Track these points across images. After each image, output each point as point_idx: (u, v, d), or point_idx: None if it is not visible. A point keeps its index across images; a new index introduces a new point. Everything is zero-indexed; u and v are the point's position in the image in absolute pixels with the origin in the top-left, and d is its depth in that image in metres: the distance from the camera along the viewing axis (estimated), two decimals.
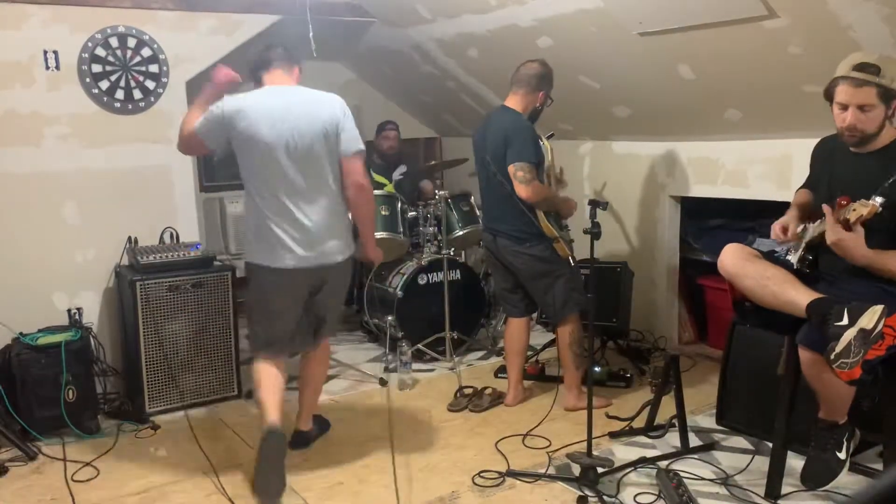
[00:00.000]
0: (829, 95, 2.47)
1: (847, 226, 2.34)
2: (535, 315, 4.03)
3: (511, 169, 3.32)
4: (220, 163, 5.39)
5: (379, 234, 4.22)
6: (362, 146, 2.97)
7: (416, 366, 4.21)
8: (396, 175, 5.19)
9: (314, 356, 3.24)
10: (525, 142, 3.35)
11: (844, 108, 2.42)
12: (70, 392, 3.40)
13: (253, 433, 3.45)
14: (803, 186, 2.85)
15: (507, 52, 4.11)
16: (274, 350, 3.02)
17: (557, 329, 3.60)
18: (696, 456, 3.09)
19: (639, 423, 3.36)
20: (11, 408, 3.34)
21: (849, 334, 2.20)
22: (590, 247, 2.89)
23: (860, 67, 2.36)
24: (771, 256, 2.69)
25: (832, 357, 2.23)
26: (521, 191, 3.31)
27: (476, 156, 3.62)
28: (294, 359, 3.31)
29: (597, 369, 3.90)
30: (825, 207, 2.44)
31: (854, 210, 2.30)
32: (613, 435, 3.30)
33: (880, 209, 2.27)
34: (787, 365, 2.69)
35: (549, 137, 3.65)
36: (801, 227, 2.66)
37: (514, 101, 3.48)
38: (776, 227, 2.69)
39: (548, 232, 3.41)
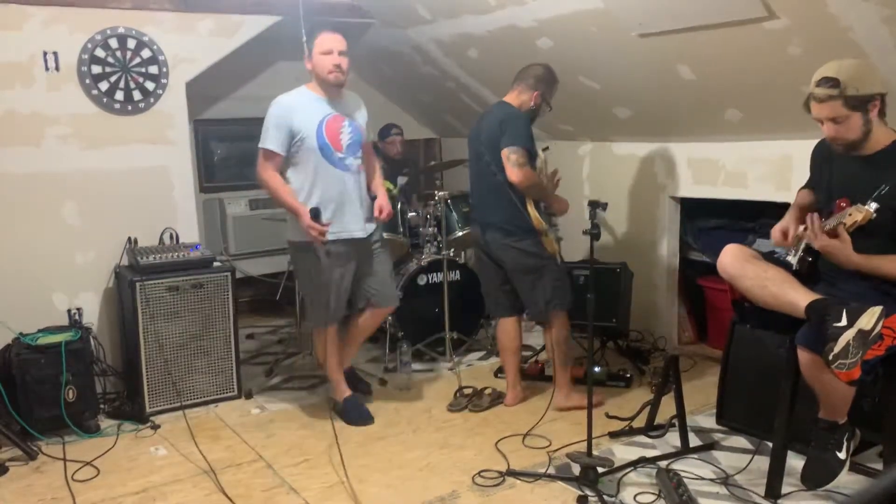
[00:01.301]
0: (808, 110, 2.50)
1: (833, 233, 2.38)
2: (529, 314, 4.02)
3: (504, 152, 3.32)
4: (220, 163, 5.41)
5: None
6: (261, 144, 3.33)
7: (415, 366, 4.21)
8: (400, 180, 5.18)
9: None
10: (520, 128, 3.36)
11: (821, 121, 2.45)
12: (70, 392, 3.40)
13: (252, 433, 3.46)
14: (805, 187, 2.86)
15: (507, 52, 4.11)
16: None
17: (544, 327, 3.61)
18: (696, 456, 3.09)
19: (639, 422, 3.35)
20: (11, 408, 3.34)
21: (847, 335, 2.21)
22: (590, 247, 2.89)
23: (820, 83, 2.39)
24: (771, 257, 2.69)
25: (830, 358, 2.23)
26: (513, 174, 3.30)
27: (470, 149, 3.63)
28: None
29: (597, 369, 3.90)
30: (808, 216, 2.48)
31: (850, 215, 2.34)
32: (613, 435, 3.30)
33: (874, 215, 2.30)
34: (788, 364, 2.69)
35: (544, 150, 3.64)
36: (802, 227, 2.66)
37: (511, 97, 3.51)
38: (776, 233, 2.70)
39: (537, 224, 3.40)
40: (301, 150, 3.31)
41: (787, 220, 2.72)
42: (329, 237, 3.30)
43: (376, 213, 3.47)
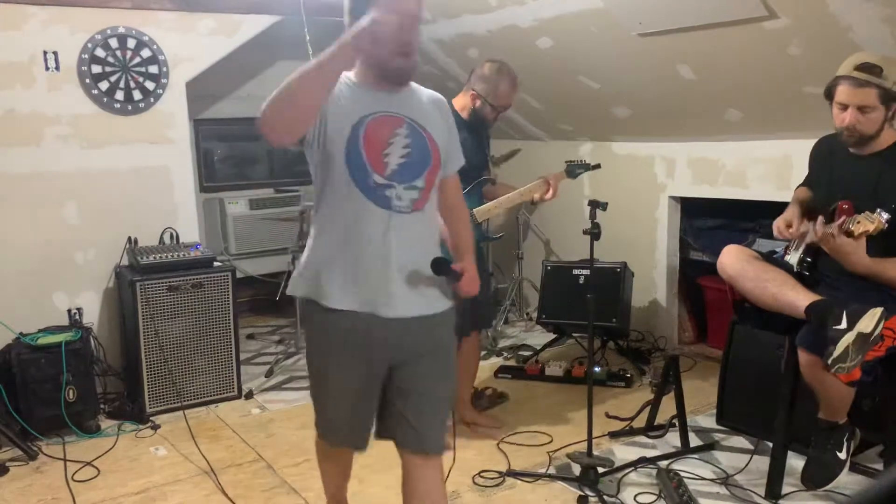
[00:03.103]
0: (829, 94, 2.46)
1: (849, 234, 2.35)
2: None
3: None
4: (220, 163, 5.41)
5: None
6: None
7: None
8: None
9: None
10: None
11: (844, 108, 2.41)
12: (70, 392, 3.40)
13: (252, 433, 3.45)
14: (802, 184, 2.86)
15: (507, 52, 4.10)
16: None
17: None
18: (696, 456, 3.09)
19: (639, 423, 3.36)
20: (11, 408, 3.34)
21: (846, 339, 2.20)
22: (590, 247, 2.89)
23: (863, 67, 2.33)
24: (770, 258, 2.69)
25: (829, 362, 2.23)
26: None
27: None
28: None
29: (597, 369, 3.90)
30: (820, 219, 2.46)
31: (859, 223, 2.29)
32: (614, 435, 3.30)
33: (886, 226, 2.25)
34: (787, 365, 2.69)
35: (594, 167, 3.52)
36: (803, 226, 2.66)
37: (457, 99, 3.34)
38: (779, 223, 2.64)
39: None
40: (326, 162, 1.96)
41: (791, 213, 2.68)
42: (332, 304, 1.96)
43: (462, 283, 2.04)
